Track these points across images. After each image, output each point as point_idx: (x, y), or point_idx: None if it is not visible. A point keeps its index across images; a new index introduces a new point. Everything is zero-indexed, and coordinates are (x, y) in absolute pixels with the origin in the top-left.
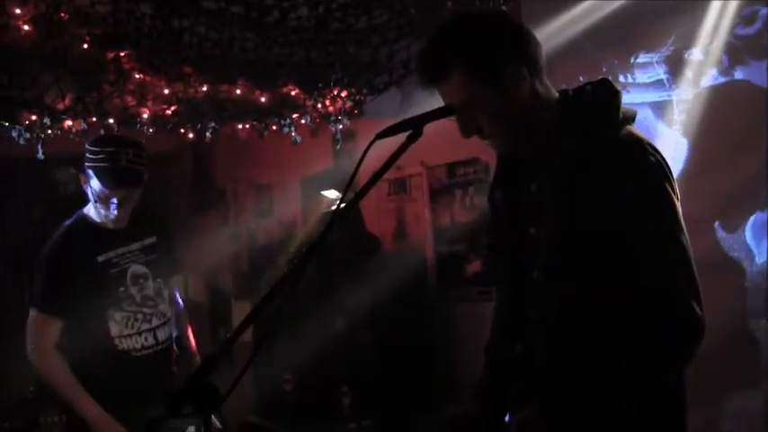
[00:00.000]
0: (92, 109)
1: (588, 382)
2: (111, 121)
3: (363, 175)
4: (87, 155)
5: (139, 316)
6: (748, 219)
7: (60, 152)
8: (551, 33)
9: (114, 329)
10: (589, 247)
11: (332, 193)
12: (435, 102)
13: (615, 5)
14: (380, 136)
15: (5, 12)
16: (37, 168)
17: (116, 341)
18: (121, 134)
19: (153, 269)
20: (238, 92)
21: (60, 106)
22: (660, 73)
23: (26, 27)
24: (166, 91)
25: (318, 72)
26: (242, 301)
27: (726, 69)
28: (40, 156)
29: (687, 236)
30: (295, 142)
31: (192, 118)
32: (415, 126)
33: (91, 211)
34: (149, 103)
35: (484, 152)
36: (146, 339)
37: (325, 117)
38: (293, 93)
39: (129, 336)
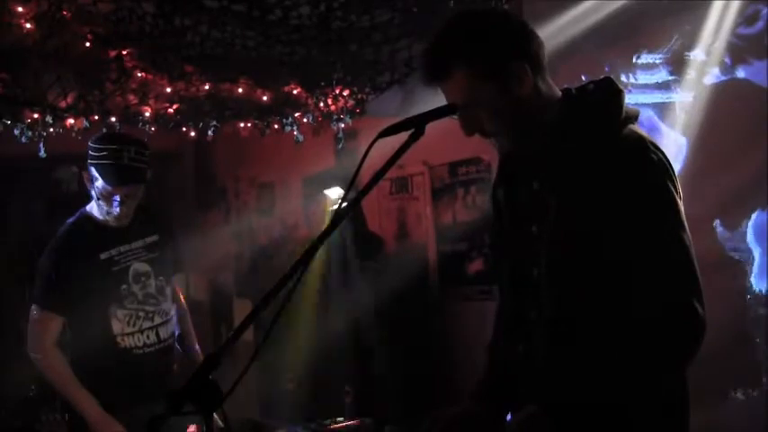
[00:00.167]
0: (94, 107)
1: (589, 382)
2: (113, 119)
3: (365, 174)
4: (90, 152)
5: (141, 314)
6: (749, 217)
7: (62, 150)
8: (553, 32)
9: (116, 327)
10: (591, 245)
11: (334, 192)
12: (437, 100)
13: (617, 5)
14: (382, 135)
15: (7, 10)
16: (39, 166)
17: (118, 339)
18: (124, 132)
19: (155, 267)
20: (240, 90)
21: (62, 104)
22: (662, 72)
23: (28, 25)
24: (168, 89)
25: (320, 71)
26: (243, 300)
27: (728, 69)
28: (42, 154)
29: (689, 235)
30: (297, 141)
31: (194, 116)
32: (417, 125)
33: (93, 208)
34: (151, 102)
35: (486, 151)
36: (147, 337)
37: (327, 116)
38: (295, 91)
39: (131, 334)
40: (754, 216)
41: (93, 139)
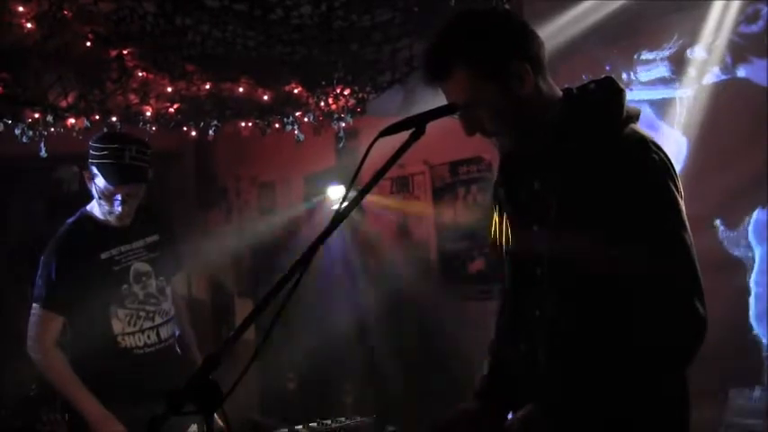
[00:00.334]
0: (95, 107)
1: (591, 381)
2: (114, 119)
3: (366, 173)
4: (91, 152)
5: (142, 314)
6: (750, 216)
7: (63, 150)
8: (554, 32)
9: (117, 327)
10: (592, 245)
11: (335, 191)
12: (438, 100)
13: (618, 4)
14: (383, 134)
15: (8, 10)
16: (40, 166)
17: (119, 339)
18: (125, 131)
19: (156, 267)
20: (241, 90)
21: (63, 104)
22: (663, 71)
23: (29, 25)
24: (169, 89)
25: (321, 70)
26: (244, 299)
27: (728, 67)
28: (43, 154)
29: (691, 234)
30: (298, 140)
31: (195, 116)
32: (417, 124)
33: (94, 208)
34: (152, 101)
35: (487, 150)
36: (148, 337)
37: (328, 115)
38: (296, 91)
39: (132, 333)
40: (754, 215)
41: (95, 139)
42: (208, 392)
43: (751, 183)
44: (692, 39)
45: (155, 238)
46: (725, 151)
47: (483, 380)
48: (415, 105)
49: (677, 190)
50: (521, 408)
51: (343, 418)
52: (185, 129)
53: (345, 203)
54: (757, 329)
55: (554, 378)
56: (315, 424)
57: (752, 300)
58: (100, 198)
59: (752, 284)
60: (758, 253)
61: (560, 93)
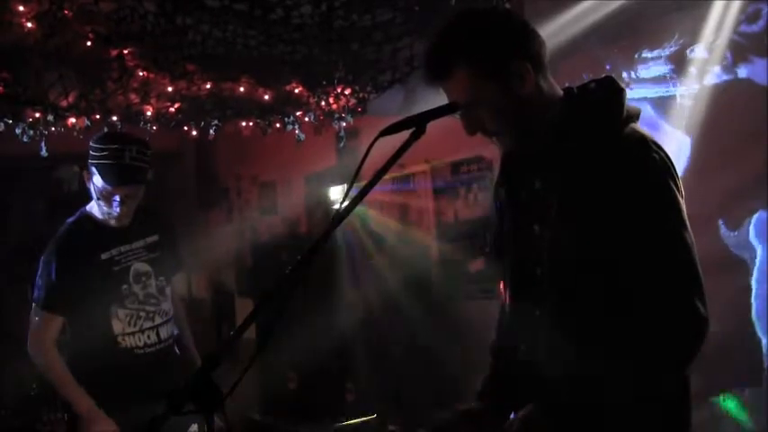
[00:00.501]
0: (95, 106)
1: (591, 381)
2: (115, 118)
3: (367, 173)
4: (91, 152)
5: (142, 314)
6: (751, 216)
7: (64, 150)
8: (555, 31)
9: (117, 327)
10: (592, 244)
11: (335, 191)
12: (439, 99)
13: (618, 3)
14: (384, 133)
15: (9, 9)
16: (40, 166)
17: (119, 339)
18: (126, 131)
19: (156, 267)
20: (242, 89)
21: (64, 103)
22: (664, 70)
23: (29, 24)
24: (170, 88)
25: (322, 69)
26: (245, 299)
27: (729, 67)
28: (44, 153)
29: (691, 234)
30: (298, 140)
31: (196, 115)
32: (418, 123)
33: (94, 208)
34: (153, 101)
35: (487, 150)
36: (148, 337)
37: (329, 115)
38: (296, 90)
39: (132, 334)
40: (756, 215)
41: (95, 139)
42: (208, 392)
43: (752, 183)
44: (692, 38)
45: (155, 238)
46: (726, 151)
47: (484, 380)
48: (415, 105)
49: (678, 189)
50: (522, 408)
51: (344, 419)
52: (186, 128)
53: (346, 203)
54: (758, 328)
55: (554, 378)
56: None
57: (753, 299)
58: (99, 198)
59: (753, 284)
60: (759, 252)
61: (561, 92)
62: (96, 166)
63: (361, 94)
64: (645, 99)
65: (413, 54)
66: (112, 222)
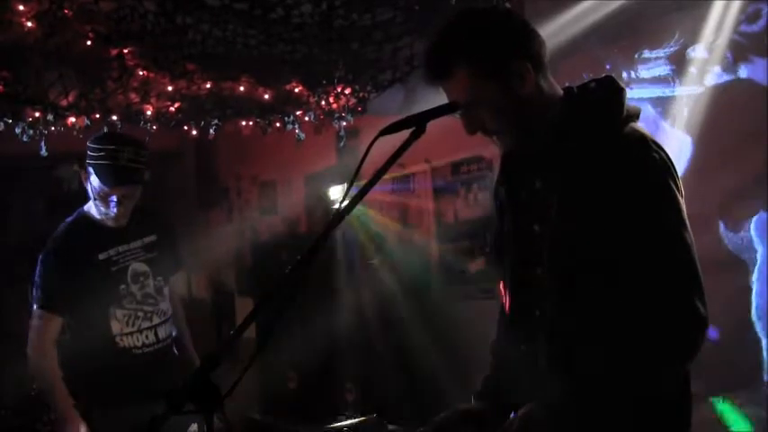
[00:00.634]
0: (95, 106)
1: (591, 381)
2: (115, 118)
3: (367, 172)
4: (88, 152)
5: (140, 314)
6: (752, 217)
7: (63, 149)
8: (555, 30)
9: (115, 327)
10: (592, 244)
11: (335, 190)
12: (439, 99)
13: (619, 3)
14: (383, 133)
15: (9, 8)
16: (40, 165)
17: (117, 339)
18: (124, 132)
19: (153, 267)
20: (242, 89)
21: (64, 103)
22: (664, 70)
23: (29, 24)
24: (170, 88)
25: (322, 69)
26: (245, 298)
27: (730, 67)
28: (44, 152)
29: (691, 234)
30: (298, 139)
31: (196, 115)
32: (418, 123)
33: (92, 208)
34: (153, 100)
35: (487, 150)
36: (146, 337)
37: (329, 114)
38: (297, 90)
39: (130, 334)
40: (756, 216)
41: (92, 140)
42: (207, 392)
43: (752, 183)
44: (692, 38)
45: (152, 238)
46: (726, 151)
47: (484, 380)
48: (415, 104)
49: (678, 189)
50: (521, 407)
51: (344, 418)
52: (186, 128)
53: (346, 203)
54: (758, 328)
55: (554, 378)
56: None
57: (753, 298)
58: (96, 199)
59: (754, 284)
60: (760, 252)
61: (561, 92)
62: (93, 166)
63: (361, 94)
64: (645, 99)
65: (413, 53)
66: (110, 223)
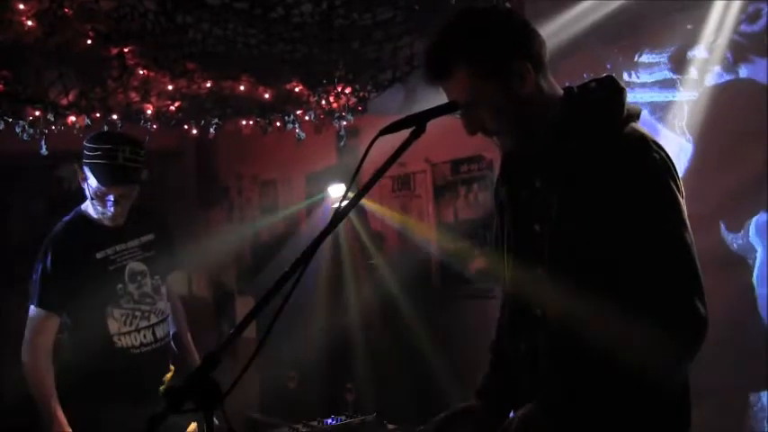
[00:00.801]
0: (95, 105)
1: (591, 380)
2: (115, 117)
3: (367, 172)
4: (85, 151)
5: (138, 313)
6: (752, 218)
7: (64, 148)
8: (555, 30)
9: (113, 327)
10: (593, 244)
11: (336, 190)
12: (439, 98)
13: (619, 3)
14: (383, 132)
15: (9, 7)
16: (40, 164)
17: (115, 338)
18: (122, 131)
19: (151, 266)
20: (242, 88)
21: (64, 102)
22: (664, 71)
23: (29, 23)
24: (170, 87)
25: (322, 68)
26: (246, 297)
27: (730, 67)
28: (44, 152)
29: (692, 234)
30: (299, 139)
31: (196, 114)
32: (418, 122)
33: (89, 208)
34: (153, 99)
35: (488, 149)
36: (144, 337)
37: (329, 113)
38: (297, 89)
39: (128, 333)
40: (756, 216)
41: (88, 139)
42: (207, 390)
43: (754, 184)
44: (693, 38)
45: (150, 237)
46: (727, 151)
47: (484, 379)
48: (416, 104)
49: (678, 189)
50: (521, 407)
51: (344, 417)
52: (186, 127)
53: (345, 202)
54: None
55: (554, 377)
56: (315, 423)
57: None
58: (93, 198)
59: (755, 283)
60: (760, 251)
61: (561, 91)
62: (90, 165)
63: (361, 93)
64: (645, 103)
65: (413, 53)
66: (107, 222)
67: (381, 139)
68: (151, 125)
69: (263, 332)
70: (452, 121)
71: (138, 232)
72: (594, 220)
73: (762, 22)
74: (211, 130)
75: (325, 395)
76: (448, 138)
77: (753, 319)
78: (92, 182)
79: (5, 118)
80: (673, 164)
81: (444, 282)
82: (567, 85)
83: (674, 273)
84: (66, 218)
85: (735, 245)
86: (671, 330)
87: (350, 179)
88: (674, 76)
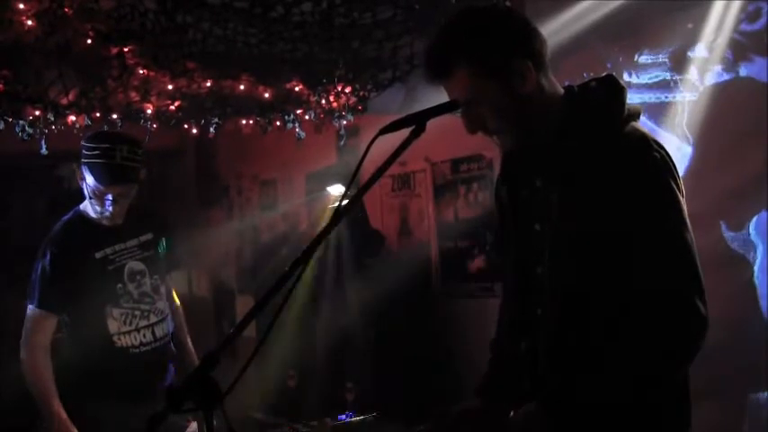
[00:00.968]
0: (95, 104)
1: (591, 379)
2: (115, 116)
3: (367, 171)
4: (83, 151)
5: (137, 313)
6: (753, 217)
7: (64, 147)
8: (556, 29)
9: (112, 326)
10: (593, 243)
11: (336, 189)
12: (439, 97)
13: (619, 2)
14: (383, 131)
15: (9, 7)
16: (40, 164)
17: (114, 338)
18: (120, 130)
19: (150, 266)
20: (242, 87)
21: (64, 101)
22: (664, 72)
23: (30, 22)
24: (170, 86)
25: (322, 68)
26: (245, 296)
27: (730, 66)
28: (44, 151)
29: (692, 233)
30: (299, 138)
31: (196, 113)
32: (418, 121)
33: (87, 207)
34: (153, 99)
35: (488, 148)
36: (144, 336)
37: (329, 113)
38: (297, 88)
39: (128, 332)
40: (756, 216)
41: (86, 138)
42: (207, 390)
43: (754, 184)
44: (693, 37)
45: (149, 236)
46: (727, 150)
47: (485, 378)
48: (416, 103)
49: (678, 188)
50: (522, 406)
51: (344, 416)
52: (186, 126)
53: (345, 201)
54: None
55: (555, 376)
56: (316, 423)
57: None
58: (91, 197)
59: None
60: (760, 251)
61: (562, 91)
62: (88, 165)
63: (361, 93)
64: (644, 103)
65: (413, 52)
66: (106, 221)
67: (381, 138)
68: (151, 125)
69: (262, 331)
70: (452, 120)
71: (136, 232)
72: (595, 220)
73: (762, 22)
74: (211, 129)
75: (325, 394)
76: (448, 137)
77: (753, 318)
78: (90, 181)
79: (5, 117)
80: (673, 163)
81: (444, 282)
82: (567, 84)
83: (674, 272)
84: (65, 218)
85: (735, 244)
86: (671, 330)
87: (350, 178)
88: (674, 76)
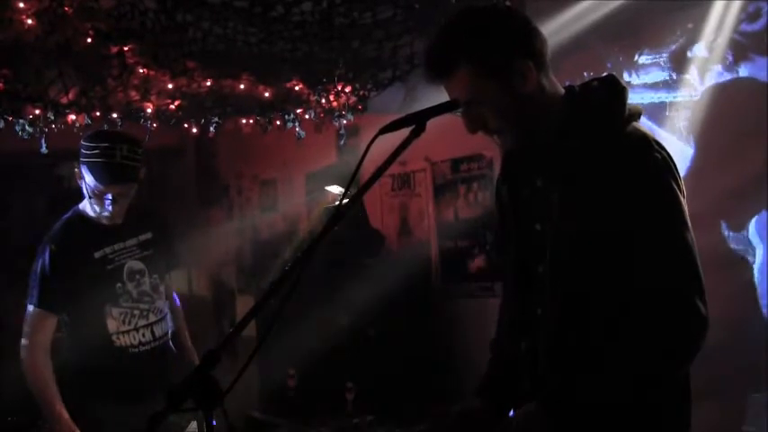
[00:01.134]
0: (95, 103)
1: (591, 379)
2: (115, 115)
3: (367, 171)
4: (82, 150)
5: (136, 312)
6: (753, 217)
7: (64, 146)
8: (556, 29)
9: (112, 326)
10: (594, 243)
11: (336, 189)
12: (439, 97)
13: (619, 2)
14: (383, 131)
15: (9, 6)
16: (40, 163)
17: (113, 337)
18: (119, 129)
19: (149, 265)
20: (242, 87)
21: (64, 100)
22: (664, 71)
23: (30, 21)
24: (170, 85)
25: (322, 67)
26: (246, 296)
27: (730, 66)
28: (44, 150)
29: (693, 233)
30: (299, 137)
31: (196, 113)
32: (418, 121)
33: (87, 206)
34: (153, 98)
35: (488, 148)
36: (143, 335)
37: (329, 112)
38: (297, 88)
39: (127, 332)
40: (757, 216)
41: (86, 137)
42: (207, 389)
43: (754, 184)
44: (693, 37)
45: (148, 236)
46: (728, 151)
47: (485, 378)
48: (416, 103)
49: (679, 188)
50: (521, 406)
51: (344, 417)
52: (186, 126)
53: (345, 201)
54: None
55: (555, 376)
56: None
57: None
58: (90, 197)
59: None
60: (760, 251)
61: (562, 90)
62: (87, 164)
63: (361, 92)
64: (645, 104)
65: (413, 52)
66: (105, 221)
67: (381, 137)
68: (151, 124)
69: (263, 331)
70: (452, 120)
71: (136, 231)
72: (595, 220)
73: (762, 21)
74: (211, 128)
75: (325, 394)
76: (448, 136)
77: (753, 318)
78: (89, 181)
79: (5, 116)
80: (674, 163)
81: (444, 281)
82: (567, 83)
83: (675, 272)
84: (65, 217)
85: (735, 244)
86: (672, 330)
87: (350, 178)
88: (674, 76)
